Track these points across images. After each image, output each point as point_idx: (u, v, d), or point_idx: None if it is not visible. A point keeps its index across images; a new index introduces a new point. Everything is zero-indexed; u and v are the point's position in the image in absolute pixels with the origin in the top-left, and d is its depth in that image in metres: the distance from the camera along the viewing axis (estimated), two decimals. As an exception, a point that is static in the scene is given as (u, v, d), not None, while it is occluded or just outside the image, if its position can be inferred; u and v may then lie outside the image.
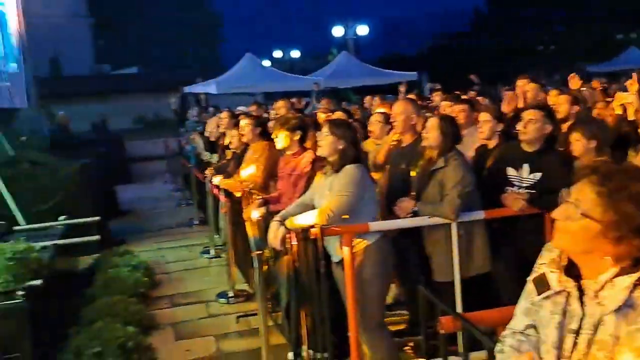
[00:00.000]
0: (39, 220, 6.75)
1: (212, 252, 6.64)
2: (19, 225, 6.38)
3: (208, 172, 6.93)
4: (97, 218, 6.49)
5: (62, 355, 3.94)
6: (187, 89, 15.26)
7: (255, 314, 4.69)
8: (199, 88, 14.81)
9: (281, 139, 4.00)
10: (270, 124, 6.13)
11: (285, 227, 3.31)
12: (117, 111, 19.81)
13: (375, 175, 3.84)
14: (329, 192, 3.17)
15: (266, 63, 22.23)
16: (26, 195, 7.36)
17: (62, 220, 6.13)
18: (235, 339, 4.33)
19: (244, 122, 5.18)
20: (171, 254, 6.95)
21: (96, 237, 5.76)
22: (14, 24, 11.81)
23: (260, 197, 4.22)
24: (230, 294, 5.14)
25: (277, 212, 3.66)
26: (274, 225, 3.41)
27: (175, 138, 13.58)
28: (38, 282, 4.03)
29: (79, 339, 4.00)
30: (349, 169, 3.14)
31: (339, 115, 4.51)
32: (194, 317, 4.83)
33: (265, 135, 5.30)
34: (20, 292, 3.82)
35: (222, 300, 5.10)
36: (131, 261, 5.76)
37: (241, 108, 8.35)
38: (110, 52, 31.35)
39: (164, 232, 8.23)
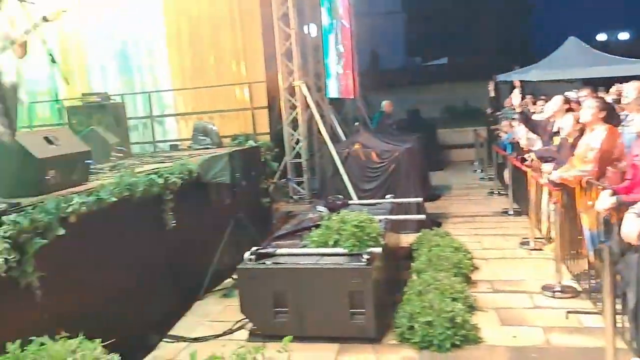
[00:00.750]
0: (366, 197, 7.55)
1: (532, 244, 6.38)
2: (352, 200, 7.23)
3: (530, 159, 6.70)
4: (419, 199, 6.91)
5: (396, 318, 4.30)
6: (500, 77, 14.91)
7: (586, 312, 4.38)
8: (514, 75, 14.33)
9: (640, 122, 3.57)
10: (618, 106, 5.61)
11: (647, 220, 2.97)
12: (427, 101, 20.68)
13: None
14: None
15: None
16: (356, 175, 8.29)
17: (389, 198, 6.70)
18: (564, 335, 4.08)
19: (588, 103, 4.83)
20: (487, 241, 6.92)
21: (422, 217, 6.15)
22: (345, 24, 13.33)
23: (608, 187, 3.85)
24: (557, 288, 4.87)
25: (630, 203, 3.32)
26: (629, 217, 3.09)
27: (484, 127, 13.47)
28: (379, 249, 4.49)
29: (412, 306, 4.29)
30: None
31: None
32: (518, 305, 4.71)
33: (608, 119, 4.87)
34: (365, 256, 4.31)
35: (548, 293, 4.87)
36: (452, 243, 5.92)
37: (570, 94, 7.77)
38: (421, 45, 32.75)
39: (477, 219, 8.26)
